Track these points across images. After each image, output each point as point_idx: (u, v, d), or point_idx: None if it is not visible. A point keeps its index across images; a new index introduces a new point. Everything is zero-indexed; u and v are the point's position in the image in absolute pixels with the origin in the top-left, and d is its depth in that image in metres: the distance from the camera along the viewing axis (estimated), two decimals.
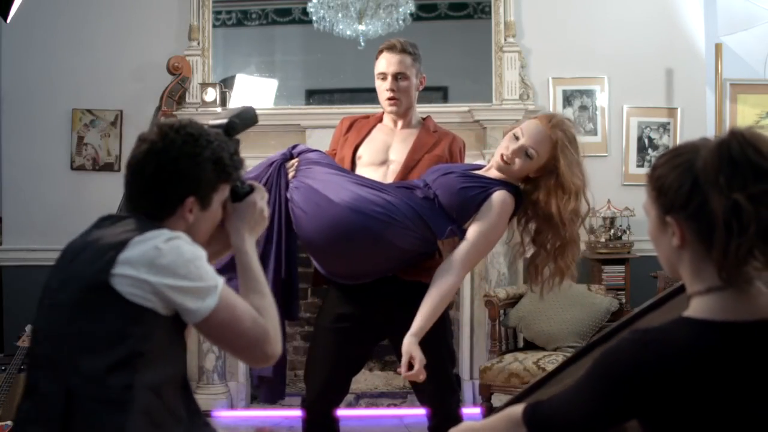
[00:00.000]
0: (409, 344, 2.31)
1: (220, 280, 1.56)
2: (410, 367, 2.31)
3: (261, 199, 1.78)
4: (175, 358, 1.60)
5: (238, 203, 1.75)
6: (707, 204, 1.20)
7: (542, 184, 2.38)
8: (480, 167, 2.55)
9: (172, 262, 1.50)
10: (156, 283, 1.49)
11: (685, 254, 1.26)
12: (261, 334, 1.57)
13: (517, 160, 2.37)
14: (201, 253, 1.56)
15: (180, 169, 1.61)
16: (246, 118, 1.89)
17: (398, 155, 2.68)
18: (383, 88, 2.68)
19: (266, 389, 2.60)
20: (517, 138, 2.37)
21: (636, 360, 1.20)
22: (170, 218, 1.62)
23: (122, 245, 1.51)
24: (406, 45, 2.68)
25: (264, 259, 2.49)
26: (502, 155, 2.39)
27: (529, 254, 2.49)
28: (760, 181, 1.18)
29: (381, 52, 2.70)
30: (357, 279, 2.54)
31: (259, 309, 1.61)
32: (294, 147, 2.63)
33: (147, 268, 1.49)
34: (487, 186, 2.40)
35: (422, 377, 2.32)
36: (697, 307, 1.25)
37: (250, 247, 1.72)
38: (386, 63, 2.67)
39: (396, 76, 2.66)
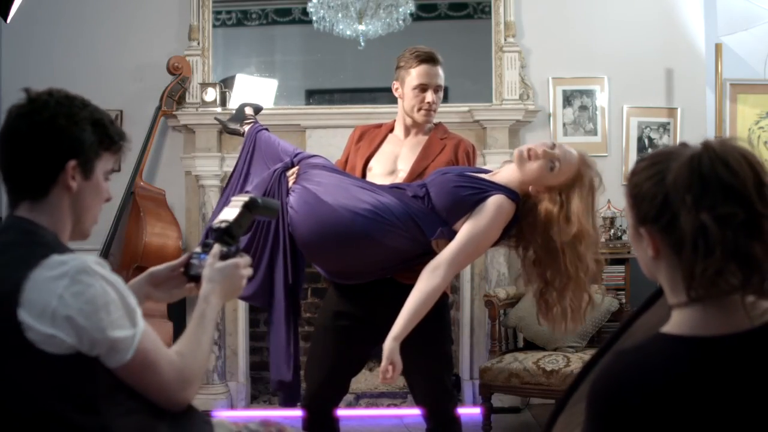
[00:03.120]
0: (391, 350, 2.28)
1: (138, 330, 1.43)
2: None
3: (244, 267, 1.72)
4: None
5: (221, 262, 1.68)
6: (677, 219, 1.17)
7: (543, 209, 2.34)
8: (485, 171, 2.53)
9: (79, 313, 1.36)
10: (66, 341, 1.36)
11: (661, 264, 1.23)
12: (176, 381, 1.48)
13: (540, 161, 2.32)
14: (111, 297, 1.40)
15: (57, 128, 1.48)
16: (269, 207, 1.85)
17: (406, 164, 2.68)
18: (422, 100, 2.67)
19: (284, 393, 2.61)
20: (552, 147, 2.34)
21: (616, 383, 1.18)
22: (53, 188, 1.49)
23: (17, 290, 1.36)
24: (439, 57, 2.69)
25: (271, 267, 2.52)
26: (529, 149, 2.35)
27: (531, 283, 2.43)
28: (728, 201, 1.14)
29: (419, 62, 2.66)
30: (351, 278, 2.55)
31: (185, 354, 1.53)
32: (296, 155, 2.65)
33: (50, 322, 1.35)
34: (484, 188, 2.37)
35: (394, 381, 2.32)
36: (675, 322, 1.22)
37: (215, 301, 1.65)
38: (428, 75, 2.65)
39: (437, 89, 2.67)
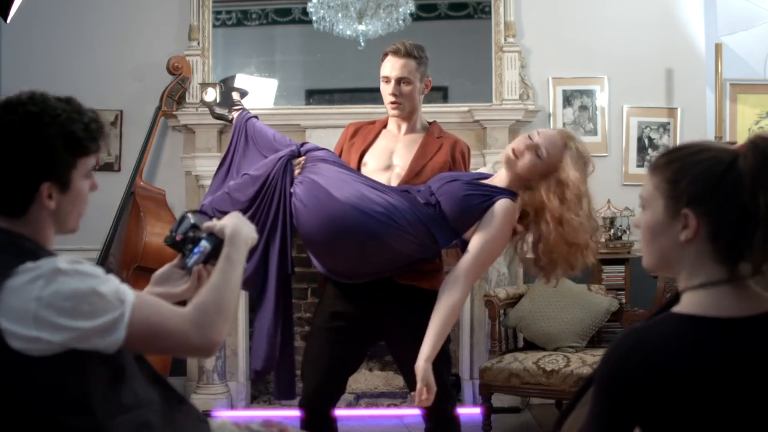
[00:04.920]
0: (425, 371, 2.29)
1: (126, 305, 1.42)
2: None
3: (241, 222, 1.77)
4: (128, 368, 1.53)
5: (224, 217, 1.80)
6: (733, 201, 1.21)
7: (542, 187, 2.36)
8: (486, 176, 2.54)
9: (61, 311, 1.36)
10: (53, 340, 1.35)
11: (689, 250, 1.26)
12: (194, 332, 1.48)
13: (527, 155, 2.36)
14: (90, 286, 1.39)
15: (24, 154, 1.44)
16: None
17: (402, 160, 2.68)
18: (386, 92, 2.69)
19: (278, 386, 2.61)
20: (531, 137, 2.38)
21: (625, 359, 1.20)
22: (31, 206, 1.48)
23: None
24: (411, 49, 2.67)
25: (267, 253, 2.51)
26: (513, 149, 2.39)
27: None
28: None
29: (386, 55, 2.70)
30: (352, 278, 2.54)
31: (201, 302, 1.53)
32: (302, 145, 2.64)
33: (33, 324, 1.35)
34: (491, 194, 2.39)
35: (430, 403, 2.33)
36: (687, 302, 1.26)
37: (238, 242, 1.69)
38: (390, 67, 2.67)
39: (399, 81, 2.66)
